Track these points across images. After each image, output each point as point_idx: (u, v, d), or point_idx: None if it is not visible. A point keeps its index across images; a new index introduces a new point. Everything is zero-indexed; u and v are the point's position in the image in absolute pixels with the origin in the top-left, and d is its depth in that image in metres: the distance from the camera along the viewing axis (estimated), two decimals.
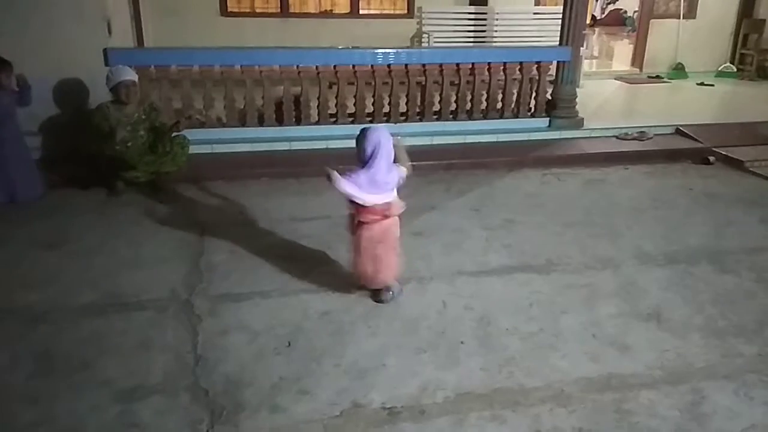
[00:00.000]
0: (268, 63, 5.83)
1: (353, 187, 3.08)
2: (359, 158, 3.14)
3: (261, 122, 5.96)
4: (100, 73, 4.86)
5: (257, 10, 9.58)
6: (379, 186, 3.12)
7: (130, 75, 4.71)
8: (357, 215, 3.22)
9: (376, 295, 3.37)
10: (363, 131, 3.16)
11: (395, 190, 3.24)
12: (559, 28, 6.46)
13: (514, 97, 6.51)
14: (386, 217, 3.22)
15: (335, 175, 3.05)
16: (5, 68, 4.46)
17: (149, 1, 8.25)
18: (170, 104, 5.62)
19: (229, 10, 9.34)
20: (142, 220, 4.38)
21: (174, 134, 4.84)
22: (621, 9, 11.94)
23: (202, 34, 7.85)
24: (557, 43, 6.50)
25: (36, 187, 4.67)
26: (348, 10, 9.86)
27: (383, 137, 3.11)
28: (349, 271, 3.44)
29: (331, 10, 9.94)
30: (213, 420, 2.50)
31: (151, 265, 3.73)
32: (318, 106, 6.05)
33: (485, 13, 9.73)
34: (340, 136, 6.02)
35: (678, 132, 6.64)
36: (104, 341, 2.98)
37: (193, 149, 5.02)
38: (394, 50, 6.12)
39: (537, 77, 6.48)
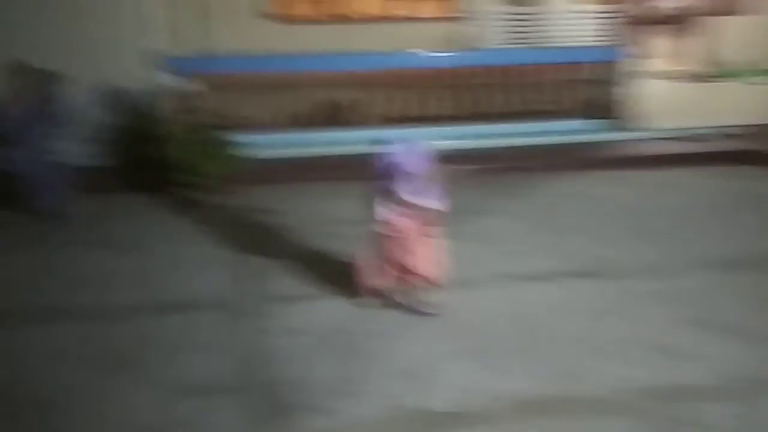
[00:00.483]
0: (319, 68, 5.90)
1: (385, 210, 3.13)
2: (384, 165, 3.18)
3: (311, 126, 6.02)
4: (150, 80, 5.01)
5: (310, 15, 9.68)
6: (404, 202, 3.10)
7: (176, 81, 4.84)
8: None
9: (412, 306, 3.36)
10: (388, 138, 3.22)
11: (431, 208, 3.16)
12: (602, 27, 6.31)
13: (568, 98, 6.39)
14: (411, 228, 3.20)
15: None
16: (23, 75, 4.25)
17: (204, 8, 8.44)
18: (222, 109, 5.74)
19: (283, 15, 9.46)
20: (194, 223, 4.51)
21: (223, 139, 4.95)
22: (682, 5, 11.59)
23: (256, 40, 7.98)
24: (607, 42, 6.35)
25: (61, 201, 4.54)
26: (390, 14, 9.87)
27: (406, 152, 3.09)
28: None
29: (374, 14, 9.97)
30: (265, 419, 2.54)
31: (204, 266, 3.83)
32: (368, 110, 6.08)
33: (537, 14, 9.59)
34: (383, 139, 6.03)
35: (741, 133, 6.37)
36: (162, 340, 3.08)
37: (244, 153, 5.12)
38: (440, 53, 6.10)
39: (579, 78, 6.34)
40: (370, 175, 3.18)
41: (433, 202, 3.17)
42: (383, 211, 3.18)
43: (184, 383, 2.75)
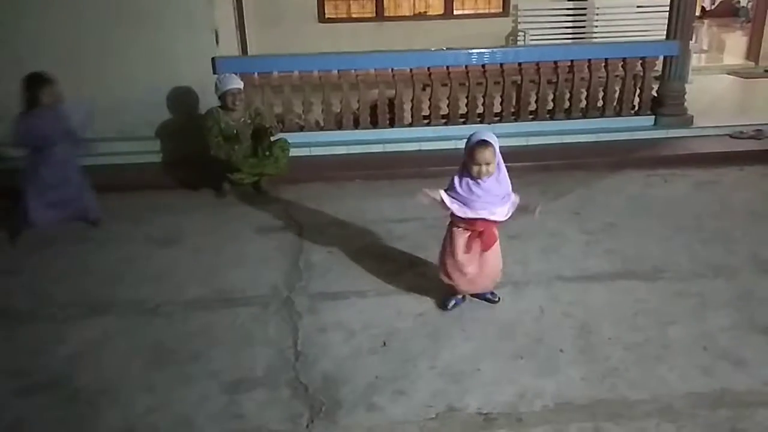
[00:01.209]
0: (364, 67, 5.94)
1: (447, 198, 3.05)
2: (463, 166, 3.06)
3: (356, 125, 6.07)
4: (209, 80, 5.15)
5: (353, 15, 9.78)
6: (467, 198, 3.00)
7: (236, 83, 4.95)
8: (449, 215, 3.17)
9: (442, 301, 3.33)
10: (471, 137, 3.04)
11: (499, 211, 3.05)
12: (665, 21, 6.13)
13: (617, 95, 6.24)
14: (471, 230, 3.10)
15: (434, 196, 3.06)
16: (43, 86, 4.11)
17: (252, 10, 8.64)
18: (272, 109, 5.85)
19: (327, 16, 9.61)
20: (246, 219, 4.60)
21: (275, 138, 5.04)
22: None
23: (302, 41, 8.12)
24: (663, 37, 6.16)
25: (91, 210, 4.48)
26: (442, 11, 9.85)
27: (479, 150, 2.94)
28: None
29: (426, 12, 9.97)
30: (312, 415, 2.57)
31: (254, 262, 3.90)
32: (411, 108, 6.09)
33: (585, 9, 9.40)
34: (433, 137, 6.04)
35: None
36: (212, 334, 3.16)
37: (293, 152, 5.20)
38: (489, 50, 6.04)
39: (641, 73, 6.17)
40: (444, 170, 3.14)
41: (503, 198, 3.06)
42: (456, 208, 3.06)
43: (231, 378, 2.81)
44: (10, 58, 5.33)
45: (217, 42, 5.66)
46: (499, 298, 3.36)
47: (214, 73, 5.41)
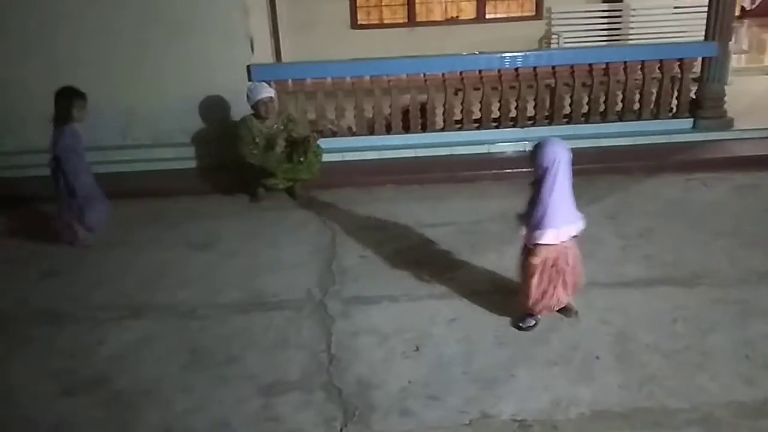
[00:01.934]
0: (396, 72, 5.95)
1: (540, 231, 2.86)
2: (534, 178, 2.89)
3: (388, 130, 6.09)
4: (244, 88, 5.23)
5: (385, 21, 9.82)
6: (557, 216, 2.82)
7: (268, 92, 5.01)
8: (524, 238, 3.03)
9: (517, 319, 3.19)
10: (537, 146, 2.85)
11: (572, 225, 2.94)
12: (703, 21, 5.99)
13: (653, 98, 6.12)
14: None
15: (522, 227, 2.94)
16: (77, 100, 4.18)
17: (286, 18, 8.74)
18: (305, 115, 5.91)
19: (359, 22, 9.66)
20: (280, 224, 4.65)
21: (309, 144, 5.08)
22: None
23: (334, 47, 8.17)
24: (702, 38, 6.03)
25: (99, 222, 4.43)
26: (474, 16, 9.82)
27: (562, 152, 2.80)
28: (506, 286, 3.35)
29: (458, 17, 9.94)
30: (346, 419, 2.59)
31: (288, 266, 3.95)
32: (443, 113, 6.08)
33: (620, 10, 9.25)
34: (465, 142, 6.01)
35: None
36: (247, 337, 3.20)
37: (326, 157, 5.24)
38: (522, 53, 6.00)
39: (679, 75, 6.04)
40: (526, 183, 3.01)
41: (575, 218, 2.95)
42: (545, 234, 2.88)
43: (267, 381, 2.85)
44: (47, 66, 5.51)
45: (252, 50, 5.75)
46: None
47: (249, 80, 5.50)
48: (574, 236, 3.01)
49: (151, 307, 3.55)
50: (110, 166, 5.55)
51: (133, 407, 2.72)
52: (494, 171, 5.40)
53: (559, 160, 2.79)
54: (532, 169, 2.90)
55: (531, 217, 2.89)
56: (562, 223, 2.88)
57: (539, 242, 2.88)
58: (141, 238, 4.52)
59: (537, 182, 2.87)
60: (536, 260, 2.95)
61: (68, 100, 4.16)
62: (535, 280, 3.00)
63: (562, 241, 2.94)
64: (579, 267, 3.07)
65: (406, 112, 6.06)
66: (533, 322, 3.15)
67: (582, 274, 3.11)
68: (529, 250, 3.01)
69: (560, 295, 3.06)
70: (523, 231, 2.99)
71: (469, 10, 9.86)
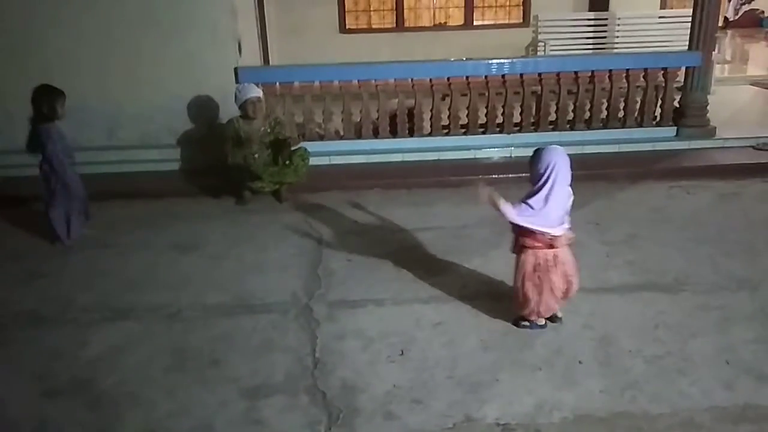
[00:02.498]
0: (384, 77, 5.98)
1: (524, 217, 2.91)
2: (531, 181, 2.96)
3: (376, 134, 6.11)
4: (231, 89, 5.23)
5: (373, 26, 9.86)
6: (550, 216, 2.91)
7: (256, 92, 5.02)
8: (520, 239, 3.06)
9: (516, 320, 3.23)
10: (537, 151, 2.95)
11: (567, 221, 3.02)
12: (687, 31, 6.09)
13: (638, 106, 6.20)
14: (551, 246, 3.00)
15: (503, 205, 2.91)
16: (60, 98, 4.20)
17: (275, 21, 8.75)
18: (293, 118, 5.91)
19: (348, 27, 9.70)
20: (266, 227, 4.64)
21: (295, 147, 5.08)
22: (757, 9, 11.04)
23: (323, 51, 8.20)
24: (686, 47, 6.12)
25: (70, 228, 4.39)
26: (462, 22, 9.90)
27: (559, 158, 2.88)
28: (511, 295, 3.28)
29: (445, 23, 10.02)
30: (330, 422, 2.59)
31: (273, 270, 3.94)
32: (431, 118, 6.11)
33: (606, 19, 9.37)
34: (452, 147, 6.05)
35: None
36: (232, 340, 3.19)
37: (313, 161, 5.25)
38: (509, 60, 6.05)
39: (663, 84, 6.13)
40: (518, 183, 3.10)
41: (564, 227, 3.01)
42: (512, 226, 3.00)
43: (251, 384, 2.84)
44: (39, 67, 5.46)
45: (240, 52, 5.75)
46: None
47: (237, 82, 5.50)
48: (566, 243, 3.04)
49: (136, 309, 3.52)
50: (96, 167, 5.49)
51: (117, 409, 2.70)
52: (481, 176, 5.43)
53: (557, 166, 2.87)
54: (531, 173, 2.97)
55: (523, 213, 2.93)
56: (551, 225, 2.94)
57: (524, 226, 2.94)
58: (126, 239, 4.48)
59: (535, 185, 2.93)
60: (526, 261, 3.01)
61: (52, 97, 4.15)
62: (525, 284, 3.05)
63: (552, 246, 2.99)
64: (573, 274, 3.09)
65: (393, 117, 6.09)
66: (527, 324, 3.19)
67: (576, 283, 3.12)
68: (520, 249, 3.07)
69: (550, 300, 3.08)
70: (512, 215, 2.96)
71: (457, 17, 9.94)
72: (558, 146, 2.98)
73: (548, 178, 2.88)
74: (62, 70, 5.45)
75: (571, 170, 2.96)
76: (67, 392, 2.83)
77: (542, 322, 3.19)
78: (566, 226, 3.02)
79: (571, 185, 2.98)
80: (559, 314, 3.23)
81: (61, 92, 4.21)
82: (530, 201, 2.91)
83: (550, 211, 2.90)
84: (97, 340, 3.23)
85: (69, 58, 5.55)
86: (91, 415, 2.68)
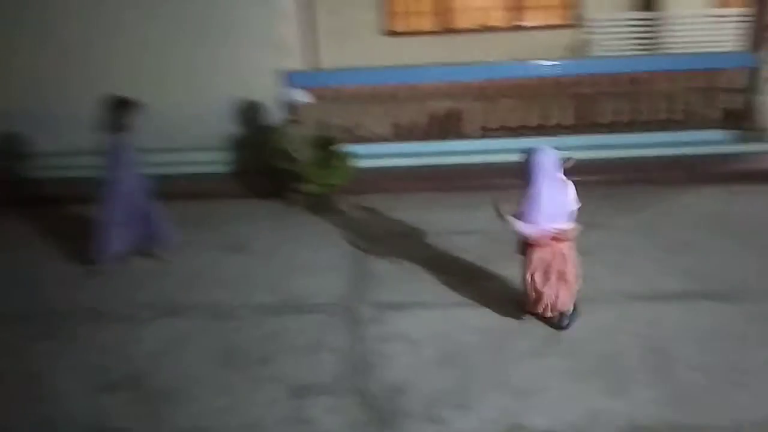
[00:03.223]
0: (430, 80, 5.97)
1: (529, 226, 3.02)
2: (523, 183, 3.07)
3: (422, 137, 6.10)
4: (280, 93, 5.31)
5: (420, 29, 9.84)
6: (547, 213, 3.00)
7: (303, 97, 5.08)
8: (522, 237, 3.13)
9: (552, 322, 3.22)
10: (524, 153, 3.08)
11: (570, 215, 3.08)
12: (741, 31, 5.87)
13: (690, 107, 6.01)
14: (557, 240, 3.07)
15: (509, 218, 3.04)
16: (128, 109, 4.02)
17: (323, 25, 8.84)
18: (339, 122, 5.96)
19: (394, 30, 9.71)
20: (313, 229, 4.70)
21: (341, 150, 5.13)
22: None
23: (369, 55, 8.22)
24: (741, 47, 5.91)
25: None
26: (509, 24, 9.78)
27: (544, 157, 3.01)
28: (519, 292, 3.34)
29: (492, 25, 9.92)
30: (376, 423, 2.60)
31: (321, 271, 3.98)
32: (478, 121, 6.07)
33: (657, 19, 9.11)
34: (499, 150, 5.97)
35: None
36: (280, 339, 3.24)
37: (358, 163, 5.27)
38: (557, 61, 5.96)
39: (719, 85, 5.93)
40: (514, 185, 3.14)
41: (565, 221, 3.06)
42: (531, 228, 3.05)
43: (298, 383, 2.88)
44: (83, 75, 5.68)
45: (288, 57, 5.83)
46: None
47: (284, 86, 5.58)
48: (571, 237, 3.09)
49: (188, 308, 3.61)
50: (150, 169, 5.65)
51: (170, 404, 2.77)
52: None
53: (542, 165, 3.00)
54: (522, 175, 3.06)
55: (522, 214, 3.03)
56: (548, 221, 3.01)
57: (526, 234, 3.05)
58: (179, 239, 4.59)
59: (527, 185, 3.03)
60: (534, 258, 3.09)
61: (130, 109, 4.01)
62: (531, 280, 3.13)
63: (556, 241, 3.06)
64: (575, 271, 3.14)
65: (439, 119, 6.06)
66: (567, 321, 3.21)
67: (577, 280, 3.16)
68: (525, 249, 3.14)
69: (559, 295, 3.12)
70: (517, 226, 3.07)
71: (503, 18, 9.83)
72: (545, 146, 3.10)
73: (536, 177, 2.99)
74: (121, 75, 5.66)
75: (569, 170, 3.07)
76: (123, 386, 2.92)
77: (549, 314, 3.21)
78: (569, 220, 3.08)
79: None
80: (569, 314, 3.22)
81: (129, 103, 4.03)
82: (527, 208, 3.01)
83: (546, 208, 2.98)
84: (151, 336, 3.33)
85: (127, 64, 5.74)
86: (145, 409, 2.76)
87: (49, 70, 5.82)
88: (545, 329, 3.21)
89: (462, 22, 9.88)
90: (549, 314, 3.19)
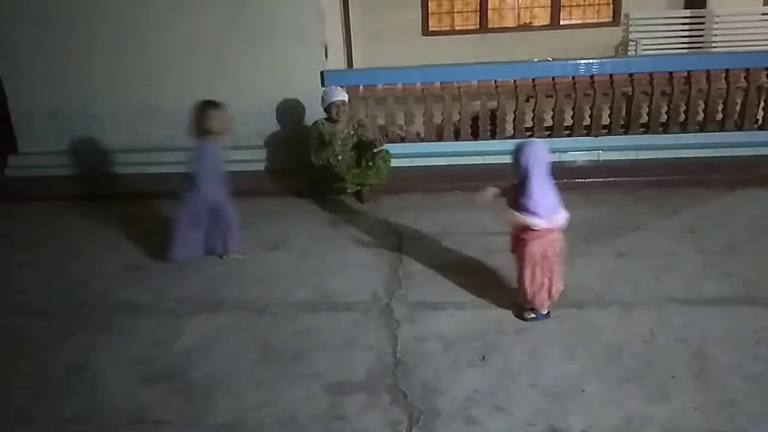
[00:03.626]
0: (467, 79, 5.94)
1: (530, 216, 3.07)
2: (516, 177, 3.14)
3: (457, 137, 6.08)
4: (317, 93, 5.37)
5: (457, 28, 9.81)
6: (542, 206, 3.05)
7: (341, 95, 5.12)
8: (521, 233, 3.18)
9: (520, 311, 3.33)
10: (516, 147, 3.14)
11: (557, 215, 3.11)
12: None
13: (738, 108, 5.84)
14: (550, 232, 3.13)
15: (506, 212, 3.14)
16: (211, 112, 3.97)
17: (359, 24, 8.89)
18: (375, 121, 5.99)
19: (431, 29, 9.70)
20: (348, 227, 4.72)
21: (378, 149, 5.14)
22: None
23: (406, 54, 8.24)
24: None
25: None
26: (548, 22, 9.66)
27: (537, 150, 3.07)
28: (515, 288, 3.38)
29: (531, 23, 9.81)
30: (411, 423, 2.60)
31: (355, 269, 4.00)
32: (514, 120, 6.01)
33: (703, 17, 8.88)
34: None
35: None
36: (315, 336, 3.27)
37: (394, 162, 5.29)
38: (597, 60, 5.86)
39: (767, 85, 5.74)
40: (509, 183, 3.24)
41: (559, 209, 3.12)
42: (524, 221, 3.12)
43: (334, 380, 2.90)
44: (136, 72, 5.84)
45: (326, 56, 5.88)
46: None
47: (322, 86, 5.63)
48: (560, 228, 3.17)
49: (225, 303, 3.68)
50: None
51: (208, 398, 2.83)
52: (565, 180, 5.27)
53: (537, 160, 3.05)
54: (515, 168, 3.13)
55: (520, 208, 3.10)
56: (548, 213, 3.07)
57: (532, 228, 3.10)
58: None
59: (521, 179, 3.10)
60: (533, 251, 3.15)
61: (203, 112, 3.97)
62: (528, 273, 3.18)
63: (550, 232, 3.12)
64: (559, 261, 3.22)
65: (475, 119, 6.03)
66: (533, 315, 3.28)
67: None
68: (520, 243, 3.20)
69: (555, 285, 3.20)
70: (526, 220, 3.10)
71: (542, 17, 9.72)
72: (536, 140, 3.23)
73: (530, 170, 3.04)
74: (159, 74, 5.81)
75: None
76: (163, 379, 2.99)
77: (545, 311, 3.29)
78: (561, 213, 3.12)
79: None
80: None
81: (213, 105, 4.00)
82: (524, 200, 3.06)
83: (540, 201, 3.05)
84: (190, 330, 3.40)
85: (166, 63, 5.88)
86: (184, 402, 2.82)
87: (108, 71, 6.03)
88: (581, 332, 3.17)
89: (501, 21, 9.81)
90: (547, 305, 3.27)
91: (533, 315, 3.29)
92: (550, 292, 3.21)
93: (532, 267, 3.17)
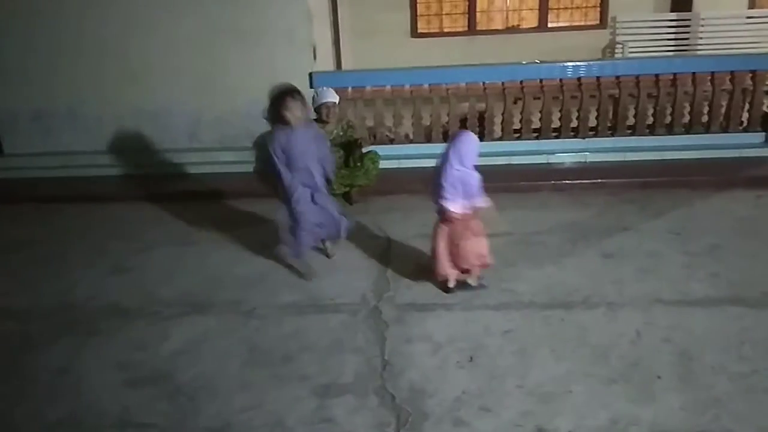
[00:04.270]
0: (455, 81, 5.96)
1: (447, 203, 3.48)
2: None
3: (446, 138, 6.08)
4: (306, 94, 5.32)
5: (445, 30, 9.84)
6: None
7: (333, 97, 5.10)
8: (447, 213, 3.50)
9: (440, 286, 3.67)
10: (454, 136, 3.59)
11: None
12: None
13: (723, 110, 5.90)
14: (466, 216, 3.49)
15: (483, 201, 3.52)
16: (286, 101, 3.76)
17: (347, 26, 8.89)
18: (364, 122, 5.99)
19: (419, 31, 9.72)
20: None
21: (365, 150, 5.14)
22: None
23: (394, 55, 8.26)
24: None
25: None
26: (536, 24, 9.71)
27: (469, 142, 3.48)
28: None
29: (518, 25, 9.86)
30: (399, 425, 2.59)
31: (343, 271, 4.00)
32: (502, 122, 6.04)
33: (689, 20, 8.97)
34: (524, 151, 5.95)
35: None
36: (303, 339, 3.26)
37: (383, 164, 5.29)
38: (585, 62, 5.90)
39: (751, 88, 5.81)
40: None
41: (479, 194, 3.45)
42: (447, 203, 3.45)
43: (321, 382, 2.89)
44: (123, 72, 5.81)
45: (314, 57, 5.88)
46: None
47: (311, 87, 5.62)
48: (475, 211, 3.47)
49: (212, 305, 3.66)
50: (178, 167, 5.78)
51: (194, 401, 2.81)
52: (553, 182, 5.32)
53: (473, 150, 3.47)
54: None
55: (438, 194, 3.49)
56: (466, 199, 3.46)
57: (450, 211, 3.46)
58: (203, 237, 4.66)
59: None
60: (443, 227, 3.52)
61: (277, 100, 3.80)
62: (441, 247, 3.53)
63: (465, 214, 3.46)
64: (483, 239, 3.56)
65: (464, 121, 6.05)
66: (451, 286, 3.61)
67: (486, 247, 3.56)
68: (441, 220, 3.55)
69: (465, 258, 3.53)
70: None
71: (530, 19, 9.77)
72: (469, 131, 3.66)
73: (468, 159, 3.50)
74: (146, 75, 5.78)
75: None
76: (149, 383, 2.96)
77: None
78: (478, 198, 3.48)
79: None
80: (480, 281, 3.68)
81: (290, 94, 3.77)
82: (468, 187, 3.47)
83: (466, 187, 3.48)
84: (176, 333, 3.37)
85: (152, 65, 5.85)
86: (170, 405, 2.80)
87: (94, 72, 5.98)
88: (569, 333, 3.18)
89: (489, 23, 9.85)
90: (455, 277, 3.60)
91: (451, 286, 3.61)
92: (453, 271, 3.57)
93: (445, 241, 3.54)
